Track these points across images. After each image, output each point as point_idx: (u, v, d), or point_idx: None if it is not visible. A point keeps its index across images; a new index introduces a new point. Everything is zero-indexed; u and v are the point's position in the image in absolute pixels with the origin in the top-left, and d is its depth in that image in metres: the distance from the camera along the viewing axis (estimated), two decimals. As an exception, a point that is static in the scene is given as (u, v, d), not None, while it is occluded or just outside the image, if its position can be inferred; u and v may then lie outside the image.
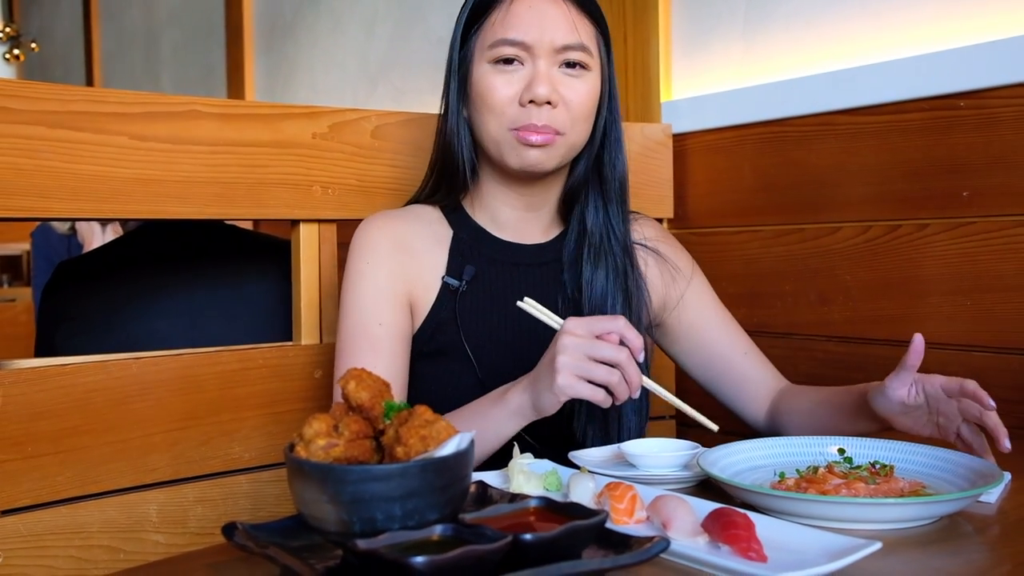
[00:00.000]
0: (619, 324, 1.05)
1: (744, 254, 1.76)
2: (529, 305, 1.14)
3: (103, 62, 5.02)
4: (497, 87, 1.20)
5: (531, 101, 1.19)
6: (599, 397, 1.04)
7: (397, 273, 1.25)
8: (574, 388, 1.03)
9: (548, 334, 1.17)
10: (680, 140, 1.84)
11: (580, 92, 1.22)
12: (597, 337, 1.04)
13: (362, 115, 1.44)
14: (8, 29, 5.89)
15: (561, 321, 1.09)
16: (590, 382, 1.04)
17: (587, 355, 1.04)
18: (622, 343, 1.05)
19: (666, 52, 1.88)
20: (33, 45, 5.86)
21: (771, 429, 1.33)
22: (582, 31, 1.22)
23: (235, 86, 3.53)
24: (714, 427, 1.10)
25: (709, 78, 1.84)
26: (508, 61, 1.20)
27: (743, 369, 1.35)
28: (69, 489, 1.19)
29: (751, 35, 1.77)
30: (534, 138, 1.19)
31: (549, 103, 1.19)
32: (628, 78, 1.90)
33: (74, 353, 1.48)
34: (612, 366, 1.04)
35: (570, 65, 1.21)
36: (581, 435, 1.26)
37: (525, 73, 1.20)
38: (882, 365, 1.55)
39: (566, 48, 1.20)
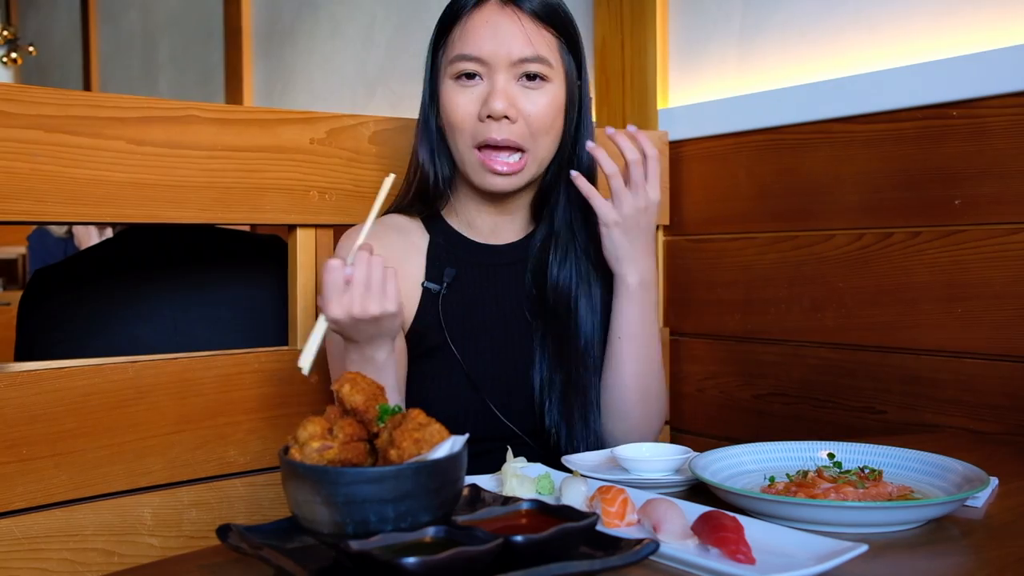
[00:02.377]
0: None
1: (739, 261, 1.77)
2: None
3: (101, 66, 5.03)
4: (459, 104, 1.23)
5: (489, 116, 1.21)
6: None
7: None
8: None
9: (526, 329, 1.22)
10: (676, 147, 1.85)
11: (539, 105, 1.24)
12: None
13: (360, 121, 1.45)
14: (5, 32, 5.88)
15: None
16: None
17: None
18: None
19: (663, 60, 1.89)
20: (30, 48, 5.86)
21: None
22: (539, 43, 1.23)
23: (233, 91, 3.53)
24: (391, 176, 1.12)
25: (705, 86, 1.85)
26: (469, 76, 1.23)
27: None
28: (64, 492, 1.19)
29: (747, 44, 1.78)
30: (500, 167, 1.23)
31: (507, 117, 1.21)
32: (625, 85, 1.92)
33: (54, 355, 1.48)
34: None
35: (530, 78, 1.23)
36: (555, 431, 1.28)
37: (483, 89, 1.23)
38: (874, 372, 1.56)
39: (523, 61, 1.22)
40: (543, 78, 1.24)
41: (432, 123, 1.30)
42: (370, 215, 1.08)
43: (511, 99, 1.22)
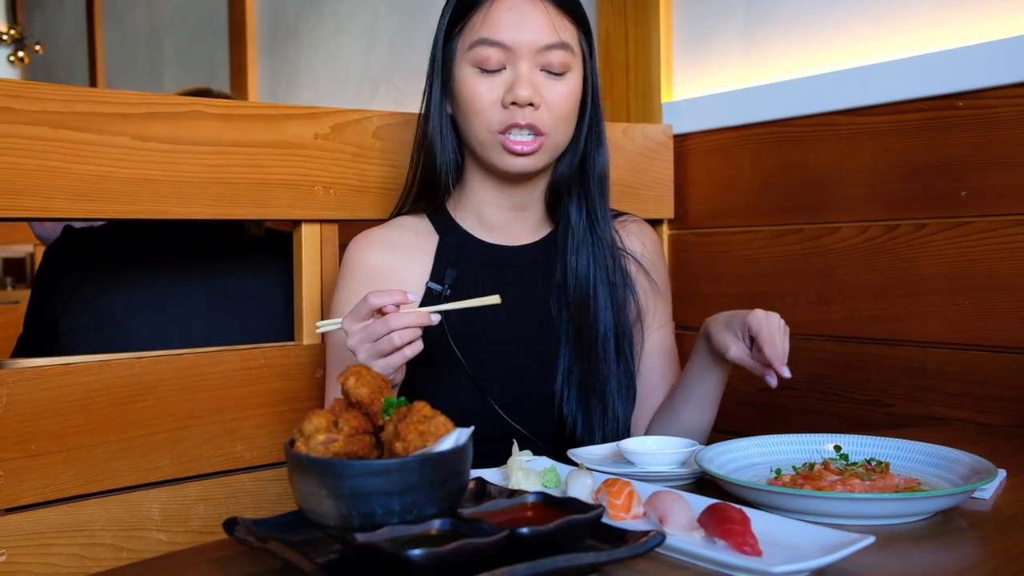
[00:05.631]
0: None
1: (744, 254, 1.77)
2: None
3: (106, 64, 5.04)
4: (481, 91, 1.23)
5: (513, 103, 1.21)
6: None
7: None
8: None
9: (539, 331, 1.21)
10: (681, 141, 1.84)
11: (561, 94, 1.24)
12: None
13: (364, 115, 1.45)
14: (12, 31, 5.91)
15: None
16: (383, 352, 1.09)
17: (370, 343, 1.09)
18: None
19: (667, 53, 1.89)
20: (37, 47, 5.88)
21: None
22: (562, 31, 1.24)
23: (238, 88, 3.53)
24: (496, 299, 1.13)
25: (709, 79, 1.85)
26: (492, 70, 1.22)
27: (651, 391, 1.39)
28: (72, 487, 1.20)
29: (751, 36, 1.78)
30: (519, 147, 1.22)
31: (531, 104, 1.22)
32: (629, 79, 1.91)
33: (76, 342, 1.49)
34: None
35: (552, 71, 1.23)
36: (571, 421, 1.28)
37: (507, 76, 1.23)
38: (880, 364, 1.56)
39: (548, 48, 1.22)
40: (565, 68, 1.24)
41: (441, 109, 1.28)
42: (455, 304, 1.14)
43: (536, 86, 1.22)
